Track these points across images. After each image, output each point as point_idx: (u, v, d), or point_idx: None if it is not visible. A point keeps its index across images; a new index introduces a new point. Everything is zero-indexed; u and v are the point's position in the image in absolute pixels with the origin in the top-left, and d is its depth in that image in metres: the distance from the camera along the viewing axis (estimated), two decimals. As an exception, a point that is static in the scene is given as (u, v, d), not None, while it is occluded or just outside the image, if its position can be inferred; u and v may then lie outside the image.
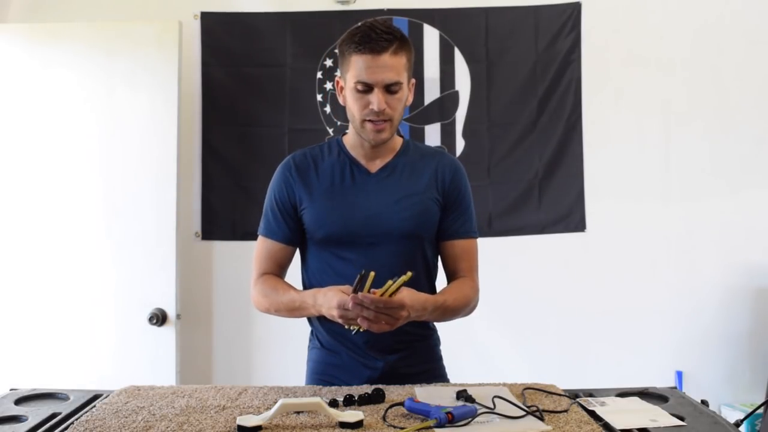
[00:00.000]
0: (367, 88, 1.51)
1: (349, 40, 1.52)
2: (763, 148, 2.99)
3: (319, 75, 2.95)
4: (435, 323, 1.70)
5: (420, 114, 2.97)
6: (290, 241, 1.64)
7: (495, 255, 2.88)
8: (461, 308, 1.60)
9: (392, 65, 1.50)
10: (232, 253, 2.88)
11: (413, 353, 1.63)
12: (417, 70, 2.95)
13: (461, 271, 1.66)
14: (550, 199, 2.99)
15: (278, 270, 1.66)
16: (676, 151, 3.00)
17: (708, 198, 2.98)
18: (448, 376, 1.70)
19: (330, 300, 1.43)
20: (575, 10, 2.98)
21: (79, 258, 2.64)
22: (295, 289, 1.60)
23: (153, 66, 2.65)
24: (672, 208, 2.98)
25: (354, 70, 1.51)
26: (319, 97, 2.95)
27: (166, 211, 2.63)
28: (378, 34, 1.49)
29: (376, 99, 1.50)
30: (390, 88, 1.51)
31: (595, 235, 2.97)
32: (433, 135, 2.98)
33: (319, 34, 2.94)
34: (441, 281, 1.69)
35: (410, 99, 1.61)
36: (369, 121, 1.53)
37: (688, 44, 2.99)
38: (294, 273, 1.70)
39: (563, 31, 2.99)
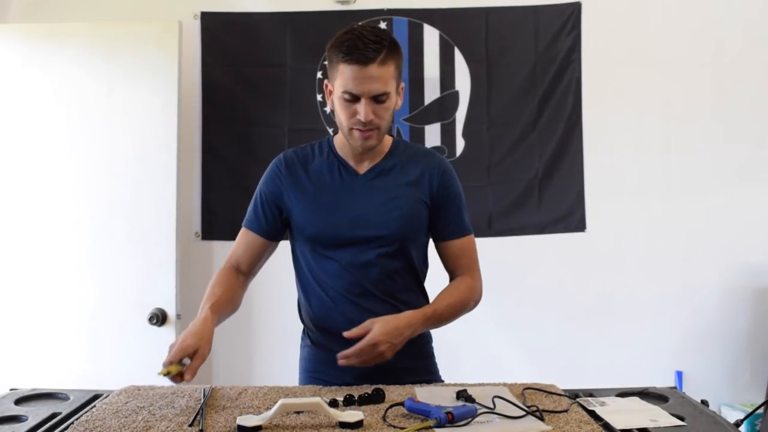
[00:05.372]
0: (354, 98, 1.50)
1: (336, 47, 1.51)
2: (763, 148, 3.00)
3: (319, 75, 2.95)
4: None
5: (420, 114, 2.97)
6: (267, 234, 1.65)
7: (495, 255, 2.88)
8: (459, 311, 1.62)
9: (379, 76, 1.49)
10: (232, 253, 2.87)
11: (405, 348, 1.62)
12: (417, 70, 2.96)
13: (461, 269, 1.67)
14: (550, 199, 2.99)
15: (251, 261, 1.66)
16: (676, 151, 3.00)
17: (708, 198, 2.98)
18: (448, 376, 1.70)
19: (181, 339, 1.36)
20: (575, 10, 2.98)
21: (79, 258, 2.64)
22: (213, 303, 1.51)
23: (153, 66, 2.65)
24: (672, 208, 2.98)
25: (341, 79, 1.50)
26: (319, 97, 2.96)
27: (166, 211, 2.63)
28: (365, 44, 1.47)
29: (363, 110, 1.50)
30: (377, 99, 1.50)
31: (595, 235, 2.97)
32: (433, 135, 2.98)
33: (319, 34, 2.93)
34: (432, 281, 1.71)
35: (399, 103, 1.61)
36: (356, 129, 1.54)
37: (688, 44, 2.99)
38: (287, 270, 1.71)
39: (563, 31, 2.99)
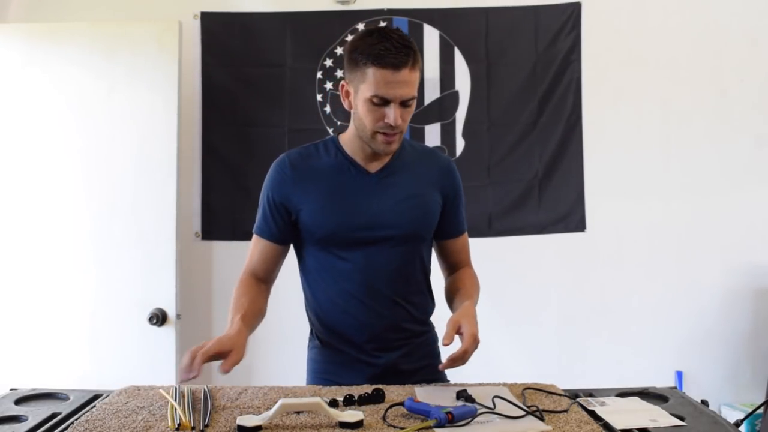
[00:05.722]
0: (383, 102, 1.48)
1: (365, 50, 1.47)
2: (763, 148, 3.00)
3: (319, 75, 2.95)
4: (432, 319, 1.73)
5: (420, 114, 2.97)
6: (280, 240, 1.63)
7: (495, 255, 2.88)
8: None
9: (410, 80, 1.47)
10: (232, 253, 2.87)
11: (413, 350, 1.64)
12: (417, 70, 2.96)
13: (461, 262, 1.73)
14: (550, 199, 2.99)
15: (269, 268, 1.64)
16: (676, 151, 3.00)
17: (708, 198, 2.98)
18: (448, 376, 1.70)
19: (217, 339, 1.34)
20: (575, 10, 2.98)
21: (79, 258, 2.64)
22: (244, 315, 1.47)
23: (153, 66, 2.64)
24: (672, 208, 2.99)
25: (371, 83, 1.47)
26: (319, 97, 2.95)
27: (166, 211, 2.63)
28: (397, 48, 1.45)
29: (393, 114, 1.48)
30: (405, 103, 1.49)
31: (595, 235, 2.97)
32: (433, 135, 2.98)
33: (319, 34, 2.94)
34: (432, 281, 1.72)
35: None
36: (382, 133, 1.52)
37: (688, 44, 2.99)
38: (288, 269, 1.70)
39: (563, 31, 2.99)
